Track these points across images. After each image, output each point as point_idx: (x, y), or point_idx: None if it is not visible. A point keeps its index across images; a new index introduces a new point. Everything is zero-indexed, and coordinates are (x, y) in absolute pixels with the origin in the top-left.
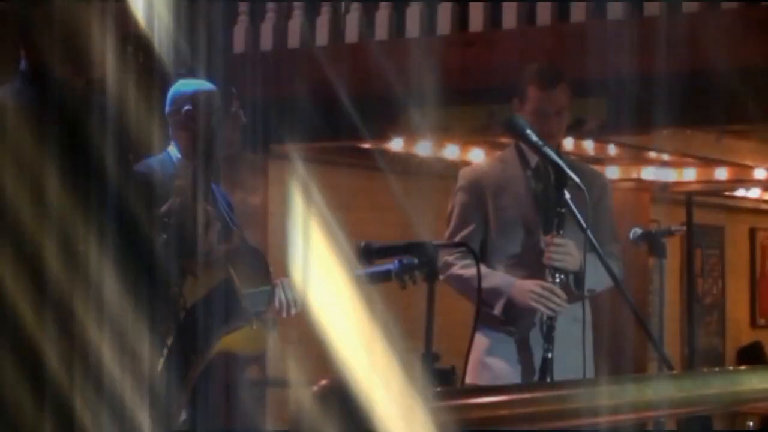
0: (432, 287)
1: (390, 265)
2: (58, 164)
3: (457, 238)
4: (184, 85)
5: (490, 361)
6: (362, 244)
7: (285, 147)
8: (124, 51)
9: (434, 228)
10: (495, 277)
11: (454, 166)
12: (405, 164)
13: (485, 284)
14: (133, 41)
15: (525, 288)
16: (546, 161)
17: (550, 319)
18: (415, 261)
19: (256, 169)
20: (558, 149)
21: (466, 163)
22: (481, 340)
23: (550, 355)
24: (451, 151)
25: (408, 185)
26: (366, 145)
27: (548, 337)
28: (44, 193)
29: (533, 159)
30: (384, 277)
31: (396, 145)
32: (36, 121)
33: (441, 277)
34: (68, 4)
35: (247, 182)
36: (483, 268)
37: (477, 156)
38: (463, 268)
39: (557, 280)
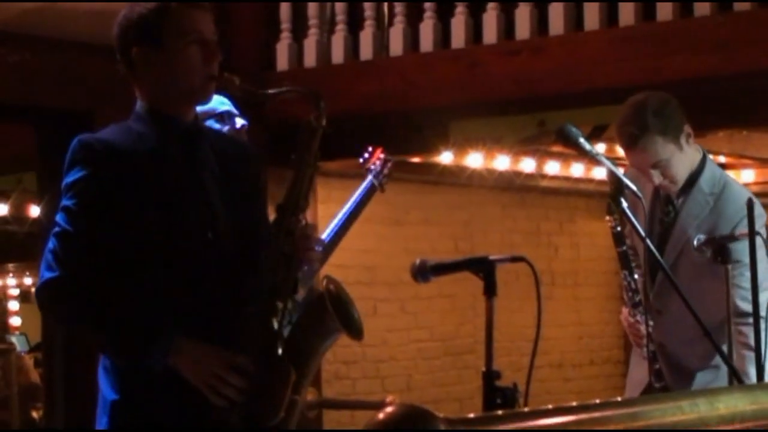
0: (491, 303)
1: None
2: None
3: None
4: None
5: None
6: (417, 262)
7: (333, 164)
8: (223, 78)
9: (488, 240)
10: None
11: (506, 177)
12: (456, 177)
13: None
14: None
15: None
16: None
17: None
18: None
19: None
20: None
21: (518, 174)
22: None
23: (657, 366)
24: (502, 162)
25: (459, 198)
26: (416, 159)
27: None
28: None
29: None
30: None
31: (446, 158)
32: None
33: None
34: (175, 47)
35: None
36: None
37: (528, 166)
38: None
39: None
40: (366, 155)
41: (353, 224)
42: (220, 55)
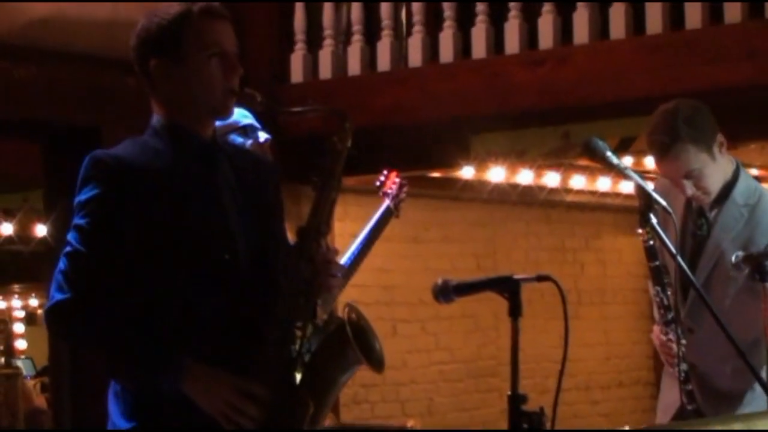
0: (516, 324)
1: None
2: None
3: None
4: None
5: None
6: (439, 282)
7: (350, 180)
8: (244, 93)
9: (511, 258)
10: (655, 309)
11: (529, 192)
12: (477, 192)
13: None
14: (245, 82)
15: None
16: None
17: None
18: None
19: None
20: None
21: (541, 189)
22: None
23: (689, 387)
24: (526, 176)
25: (481, 214)
26: (436, 174)
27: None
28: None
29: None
30: None
31: (467, 172)
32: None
33: None
34: (196, 60)
35: None
36: None
37: (553, 180)
38: None
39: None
40: (381, 178)
41: (371, 249)
42: (241, 68)
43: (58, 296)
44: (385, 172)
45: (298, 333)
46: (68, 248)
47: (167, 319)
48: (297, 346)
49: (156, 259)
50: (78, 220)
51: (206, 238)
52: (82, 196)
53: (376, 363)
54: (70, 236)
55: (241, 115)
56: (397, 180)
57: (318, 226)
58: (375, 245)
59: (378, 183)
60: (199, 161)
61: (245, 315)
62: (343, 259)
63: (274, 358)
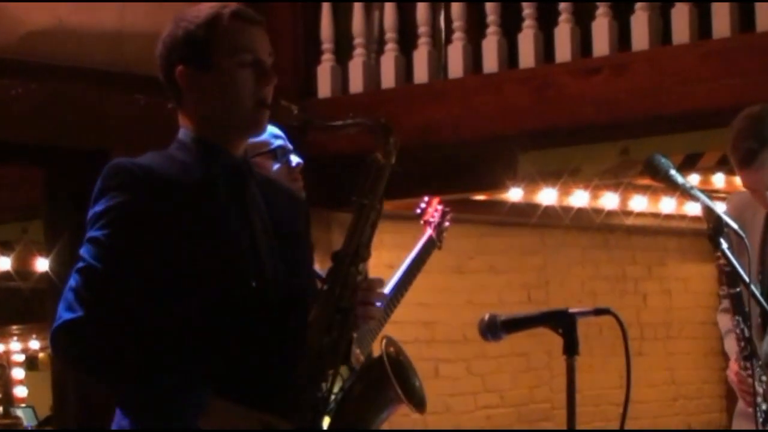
0: (572, 363)
1: None
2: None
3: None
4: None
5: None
6: (486, 317)
7: (385, 204)
8: (279, 105)
9: (566, 289)
10: (727, 340)
11: (585, 216)
12: (526, 216)
13: None
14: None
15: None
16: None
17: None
18: None
19: None
20: None
21: (598, 211)
22: None
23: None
24: (580, 198)
25: (531, 241)
26: (480, 197)
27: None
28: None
29: None
30: None
31: (515, 194)
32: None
33: None
34: (227, 68)
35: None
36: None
37: (610, 201)
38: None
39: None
40: (422, 205)
41: (412, 283)
42: (275, 78)
43: (67, 315)
44: (426, 198)
45: (330, 369)
46: (81, 264)
47: (187, 347)
48: (328, 384)
49: (178, 280)
50: (94, 233)
51: (234, 263)
52: (99, 206)
53: (418, 402)
54: (84, 251)
55: (271, 135)
56: (440, 207)
57: (356, 249)
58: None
59: (418, 210)
60: (229, 180)
61: (271, 347)
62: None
63: (302, 396)
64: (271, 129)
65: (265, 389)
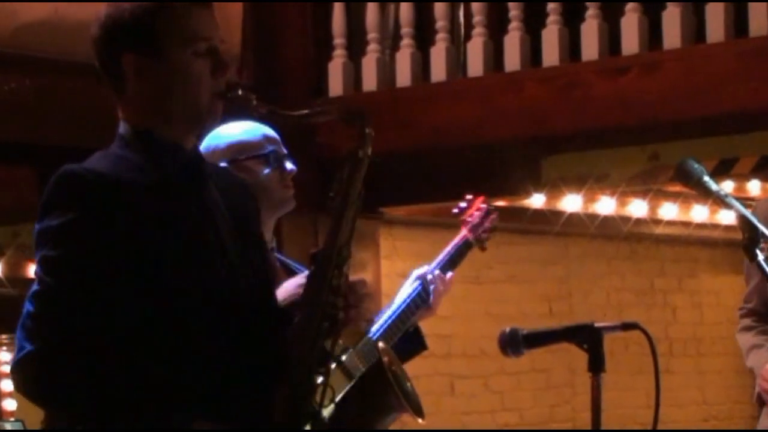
0: (597, 380)
1: None
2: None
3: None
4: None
5: None
6: (507, 331)
7: (398, 210)
8: (237, 95)
9: (590, 301)
10: (752, 356)
11: (611, 224)
12: (549, 224)
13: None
14: (237, 84)
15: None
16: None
17: None
18: None
19: (364, 238)
20: None
21: (625, 219)
22: None
23: None
24: (607, 205)
25: (554, 250)
26: (500, 203)
27: None
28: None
29: None
30: None
31: (537, 201)
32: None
33: None
34: (179, 56)
35: (353, 255)
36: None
37: (639, 209)
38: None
39: None
40: (463, 204)
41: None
42: (231, 66)
43: (28, 347)
44: (469, 197)
45: (318, 378)
46: (36, 287)
47: (160, 366)
48: (317, 394)
49: (147, 290)
50: (47, 252)
51: (206, 268)
52: (51, 221)
53: (416, 408)
54: (39, 271)
55: (263, 137)
56: (483, 206)
57: (339, 250)
58: None
59: (457, 209)
60: (183, 176)
61: (252, 354)
62: (398, 301)
63: (288, 409)
64: (265, 130)
65: (246, 404)
